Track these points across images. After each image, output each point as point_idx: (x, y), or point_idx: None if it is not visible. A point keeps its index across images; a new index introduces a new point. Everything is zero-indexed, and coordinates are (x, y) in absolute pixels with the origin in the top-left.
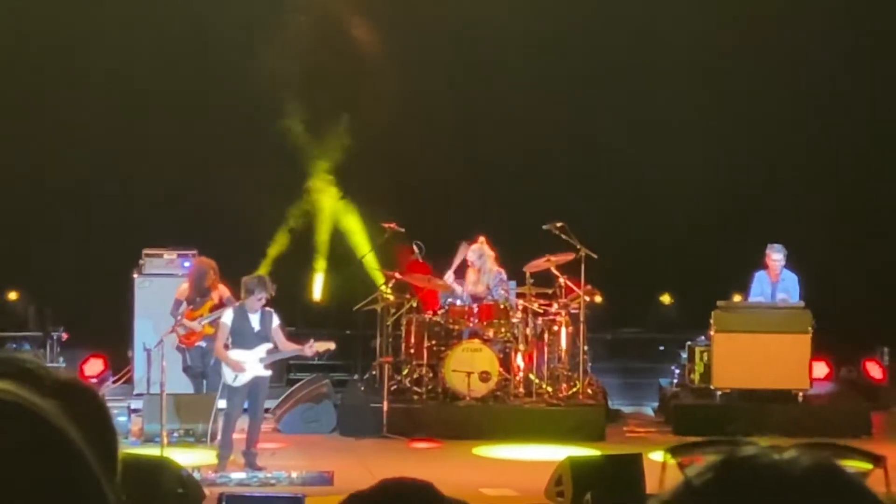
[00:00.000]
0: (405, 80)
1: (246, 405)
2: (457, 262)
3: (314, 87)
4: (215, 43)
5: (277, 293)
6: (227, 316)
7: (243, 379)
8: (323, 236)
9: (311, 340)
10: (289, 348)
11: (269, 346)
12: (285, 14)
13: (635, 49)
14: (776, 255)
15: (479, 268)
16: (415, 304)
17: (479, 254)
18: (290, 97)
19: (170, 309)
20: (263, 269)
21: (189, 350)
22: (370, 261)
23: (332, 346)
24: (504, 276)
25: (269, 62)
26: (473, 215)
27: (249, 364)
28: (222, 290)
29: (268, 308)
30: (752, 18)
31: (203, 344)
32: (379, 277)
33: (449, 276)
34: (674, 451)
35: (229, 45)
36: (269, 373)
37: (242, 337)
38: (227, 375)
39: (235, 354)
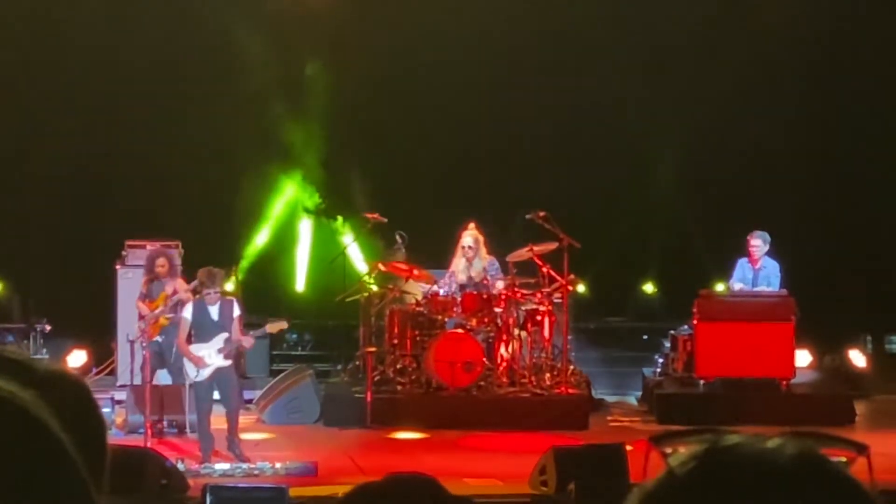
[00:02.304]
0: (388, 67)
1: (218, 397)
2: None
3: (298, 77)
4: (200, 34)
5: (260, 284)
6: (188, 310)
7: (206, 373)
8: (306, 226)
9: (265, 325)
10: (239, 339)
11: (227, 335)
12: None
13: (620, 37)
14: (755, 241)
15: (472, 254)
16: (398, 295)
17: (473, 238)
18: (274, 86)
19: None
20: (245, 262)
21: (150, 344)
22: (353, 251)
23: (284, 325)
24: (497, 264)
25: (252, 50)
26: (455, 205)
27: (209, 357)
28: (179, 284)
29: (229, 297)
30: (739, 5)
31: (160, 339)
32: (362, 268)
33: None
34: (657, 439)
35: (213, 37)
36: (229, 362)
37: (202, 330)
38: (190, 371)
39: (195, 349)
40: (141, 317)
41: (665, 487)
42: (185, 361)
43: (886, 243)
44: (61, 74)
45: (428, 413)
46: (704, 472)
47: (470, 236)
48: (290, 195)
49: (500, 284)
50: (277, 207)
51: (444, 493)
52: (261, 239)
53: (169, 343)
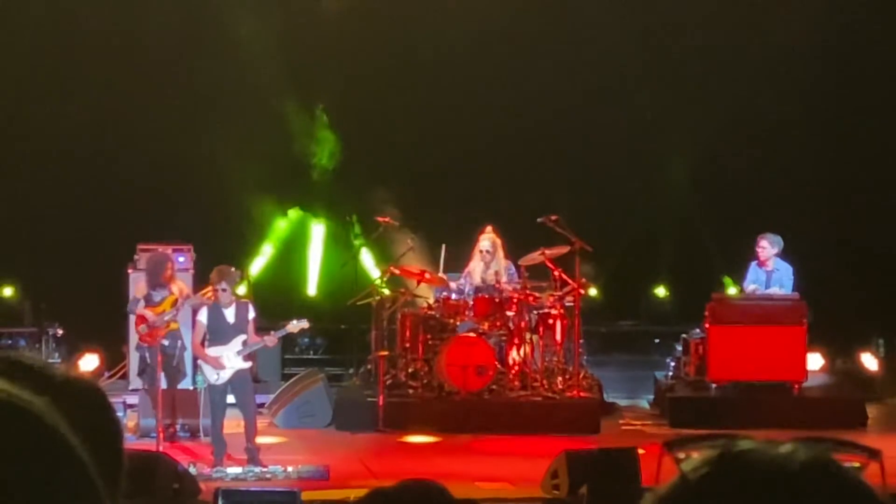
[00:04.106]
0: (398, 70)
1: (233, 401)
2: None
3: (309, 81)
4: (212, 38)
5: (272, 287)
6: (203, 314)
7: (225, 376)
8: (318, 230)
9: (287, 325)
10: (255, 341)
11: (245, 337)
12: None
13: (632, 41)
14: (763, 243)
15: (490, 258)
16: (409, 298)
17: (491, 242)
18: (286, 88)
19: (127, 306)
20: (257, 265)
21: (150, 348)
22: (365, 255)
23: (305, 324)
24: (514, 269)
25: (264, 55)
26: (468, 208)
27: (227, 359)
28: (181, 286)
29: (244, 300)
30: (742, 8)
31: (166, 342)
32: (373, 271)
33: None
34: (670, 445)
35: (225, 40)
36: (248, 364)
37: (218, 333)
38: (209, 374)
39: (213, 351)
40: (143, 321)
41: (677, 492)
42: (203, 365)
43: None
44: (75, 78)
45: (440, 417)
46: (717, 478)
47: (488, 240)
48: (302, 199)
49: (515, 285)
50: (289, 211)
51: (453, 500)
52: (272, 243)
53: (173, 346)
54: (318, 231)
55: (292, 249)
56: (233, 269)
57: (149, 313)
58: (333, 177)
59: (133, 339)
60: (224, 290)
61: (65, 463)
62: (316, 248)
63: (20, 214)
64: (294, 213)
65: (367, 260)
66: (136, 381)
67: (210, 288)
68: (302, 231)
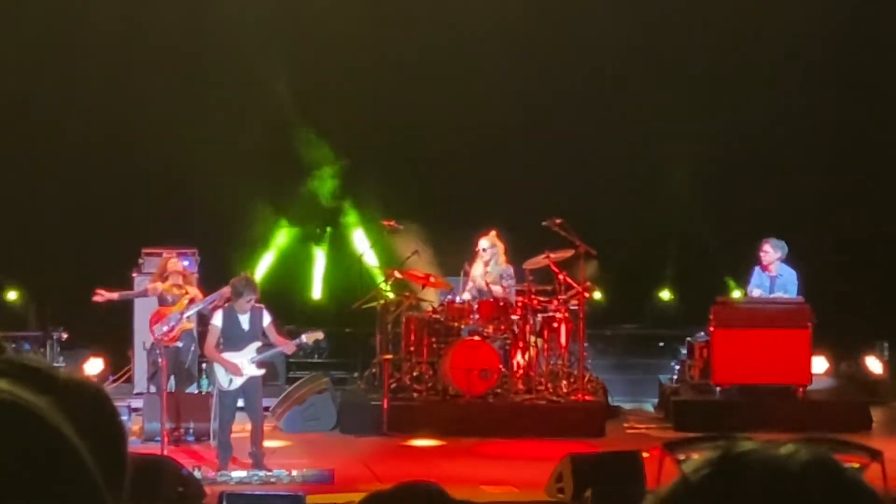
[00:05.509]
0: (401, 73)
1: (242, 404)
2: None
3: (311, 84)
4: (214, 44)
5: (278, 291)
6: (217, 318)
7: (238, 382)
8: (322, 234)
9: (302, 335)
10: (281, 343)
11: (258, 344)
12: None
13: (630, 46)
14: (766, 248)
15: (489, 259)
16: (414, 302)
17: (491, 244)
18: (291, 95)
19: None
20: (260, 267)
21: (165, 349)
22: (369, 258)
23: (320, 335)
24: (512, 273)
25: (266, 58)
26: (473, 212)
27: (241, 366)
28: (194, 291)
29: (258, 305)
30: (745, 12)
31: (180, 344)
32: (378, 275)
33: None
34: (670, 446)
35: (227, 45)
36: (262, 372)
37: (233, 339)
38: (222, 379)
39: (228, 357)
40: (160, 319)
41: (678, 493)
42: (217, 369)
43: None
44: (79, 81)
45: (444, 420)
46: (718, 479)
47: (486, 240)
48: (307, 204)
49: (511, 290)
50: (293, 216)
51: (451, 501)
52: (274, 249)
53: (187, 348)
54: (321, 236)
55: (296, 254)
56: (254, 278)
57: (167, 312)
58: (336, 185)
59: (139, 342)
60: (249, 300)
61: (67, 464)
62: (319, 253)
63: (25, 218)
64: (293, 230)
65: (372, 263)
66: (140, 385)
67: (225, 295)
68: (304, 239)
